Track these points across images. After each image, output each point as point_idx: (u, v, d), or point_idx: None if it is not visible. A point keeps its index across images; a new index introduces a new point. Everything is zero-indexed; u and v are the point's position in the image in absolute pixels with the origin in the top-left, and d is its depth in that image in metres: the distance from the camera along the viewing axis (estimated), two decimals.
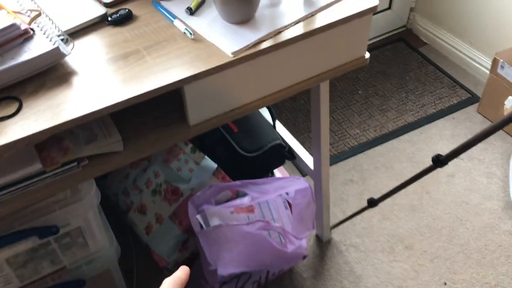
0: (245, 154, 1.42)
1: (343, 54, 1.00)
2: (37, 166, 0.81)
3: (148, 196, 1.41)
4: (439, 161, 1.07)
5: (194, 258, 1.42)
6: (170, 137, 0.92)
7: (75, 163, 0.84)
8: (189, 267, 1.37)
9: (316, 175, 1.41)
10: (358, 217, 1.59)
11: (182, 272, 0.51)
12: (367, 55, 1.03)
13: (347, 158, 1.78)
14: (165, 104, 0.97)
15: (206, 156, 1.40)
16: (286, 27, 0.89)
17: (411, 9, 2.26)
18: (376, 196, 1.52)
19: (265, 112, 1.59)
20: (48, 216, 0.99)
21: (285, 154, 1.48)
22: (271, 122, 1.57)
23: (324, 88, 1.14)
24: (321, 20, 0.91)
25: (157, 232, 1.39)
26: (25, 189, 0.82)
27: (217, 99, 0.91)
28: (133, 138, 0.90)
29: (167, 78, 0.81)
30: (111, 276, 1.24)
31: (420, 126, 1.87)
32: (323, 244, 1.53)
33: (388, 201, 1.63)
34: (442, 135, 1.84)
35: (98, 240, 1.14)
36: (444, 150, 1.76)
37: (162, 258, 1.38)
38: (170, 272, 1.41)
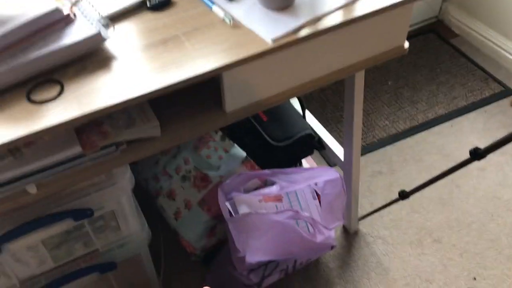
0: (274, 143, 1.42)
1: (383, 43, 0.98)
2: (77, 150, 0.82)
3: (178, 182, 1.42)
4: (477, 154, 1.05)
5: (221, 244, 1.43)
6: (206, 124, 0.92)
7: (114, 147, 0.85)
8: (217, 253, 1.37)
9: (347, 166, 1.39)
10: (386, 209, 1.57)
11: None
12: (406, 44, 1.01)
13: (375, 149, 1.76)
14: (201, 90, 0.97)
15: (235, 144, 1.40)
16: (326, 14, 0.88)
17: (443, 0, 2.21)
18: (404, 188, 1.50)
19: (294, 102, 1.58)
20: (83, 199, 1.00)
21: (314, 144, 1.47)
22: (301, 112, 1.56)
23: (360, 78, 1.13)
24: (362, 8, 0.89)
25: (186, 218, 1.40)
26: (64, 171, 0.83)
27: (254, 87, 0.91)
28: (170, 124, 0.91)
29: (207, 65, 0.81)
30: (141, 260, 1.26)
31: (451, 118, 1.84)
32: (350, 235, 1.53)
33: (417, 194, 1.61)
34: (474, 128, 1.80)
35: (130, 224, 1.15)
36: (475, 143, 1.74)
37: (190, 244, 1.39)
38: (197, 257, 1.42)
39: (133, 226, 1.16)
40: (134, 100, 0.77)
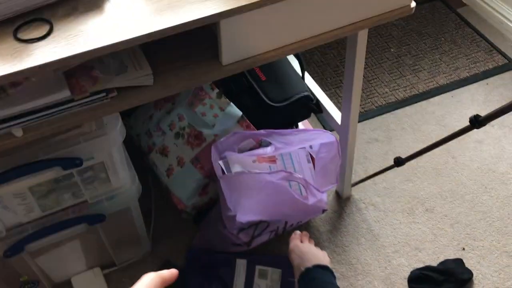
0: (271, 103, 1.39)
1: (388, 1, 0.94)
2: (66, 93, 0.79)
3: (171, 138, 1.40)
4: (477, 122, 1.03)
5: (213, 203, 1.42)
6: (201, 75, 0.89)
7: (104, 94, 0.82)
8: (208, 212, 1.36)
9: (343, 131, 1.37)
10: (380, 176, 1.56)
11: (169, 273, 0.49)
12: (413, 4, 0.97)
13: (373, 116, 1.74)
14: (198, 41, 0.93)
15: (231, 103, 1.37)
16: None
17: None
18: (399, 153, 1.49)
19: (294, 63, 1.54)
20: (72, 148, 0.98)
21: (312, 107, 1.45)
22: (300, 74, 1.52)
23: (362, 38, 1.09)
24: None
25: (178, 175, 1.38)
26: (52, 116, 0.80)
27: (252, 39, 0.87)
28: (163, 73, 0.88)
29: (204, 11, 0.77)
30: (131, 214, 1.24)
31: (452, 89, 1.81)
32: (342, 201, 1.52)
33: (411, 162, 1.59)
34: (474, 100, 1.78)
35: (120, 177, 1.13)
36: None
37: (181, 201, 1.38)
38: (188, 215, 1.41)
39: (123, 179, 1.14)
40: (126, 43, 0.74)
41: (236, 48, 0.87)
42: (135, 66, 0.84)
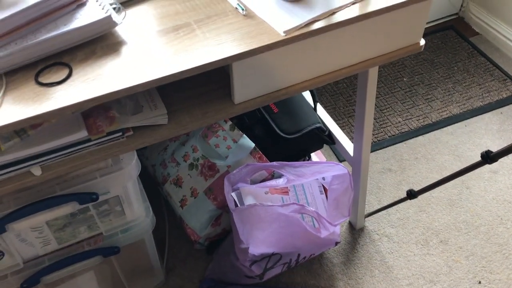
0: (283, 135, 1.41)
1: (398, 39, 0.96)
2: (83, 134, 0.82)
3: (185, 169, 1.42)
4: (488, 158, 1.03)
5: (226, 234, 1.43)
6: (214, 114, 0.91)
7: (120, 133, 0.84)
8: (221, 242, 1.37)
9: (356, 162, 1.38)
10: (394, 207, 1.56)
11: None
12: (422, 41, 0.99)
13: (387, 146, 1.74)
14: (211, 80, 0.96)
15: (244, 135, 1.39)
16: (342, 7, 0.86)
17: None
18: (414, 187, 1.49)
19: (306, 94, 1.56)
20: (89, 183, 1.00)
21: (324, 138, 1.46)
22: (312, 105, 1.54)
23: (373, 74, 1.11)
24: (378, 3, 0.87)
25: (191, 205, 1.40)
26: (69, 155, 0.83)
27: (264, 78, 0.89)
28: (177, 112, 0.90)
29: (217, 54, 0.79)
30: (145, 246, 1.26)
31: (466, 118, 1.81)
32: (355, 232, 1.52)
33: (425, 193, 1.59)
34: (488, 129, 1.77)
35: (135, 210, 1.15)
36: (489, 145, 1.71)
37: (194, 232, 1.39)
38: (201, 245, 1.42)
39: (138, 212, 1.16)
40: (143, 86, 0.76)
41: (248, 87, 0.90)
42: (151, 106, 0.87)
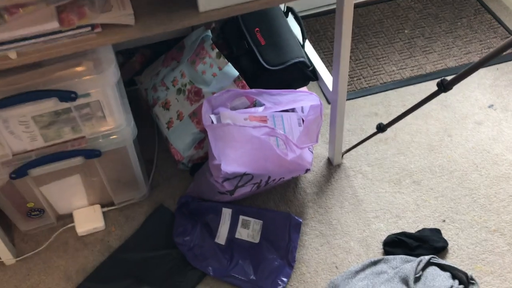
0: (267, 66, 1.47)
1: None
2: (55, 25, 0.91)
3: (173, 94, 1.51)
4: (443, 86, 1.07)
5: (207, 158, 1.52)
6: (178, 20, 0.98)
7: (89, 28, 0.93)
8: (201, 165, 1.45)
9: (334, 97, 1.43)
10: (373, 148, 1.61)
11: None
12: None
13: (377, 92, 1.78)
14: None
15: (229, 63, 1.46)
16: None
17: None
18: (397, 132, 1.54)
19: (297, 31, 1.61)
20: (69, 83, 1.11)
21: (307, 74, 1.52)
22: (301, 42, 1.59)
23: (348, 7, 1.15)
24: None
25: (177, 127, 1.49)
26: (42, 43, 0.92)
27: None
28: (144, 15, 0.98)
29: None
30: (128, 156, 1.36)
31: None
32: (332, 167, 1.58)
33: (407, 137, 1.64)
34: (481, 83, 1.78)
35: (116, 117, 1.25)
36: (479, 98, 1.73)
37: (178, 152, 1.49)
38: (184, 166, 1.52)
39: (119, 120, 1.26)
40: None
41: None
42: (119, 6, 0.95)
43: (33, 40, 0.91)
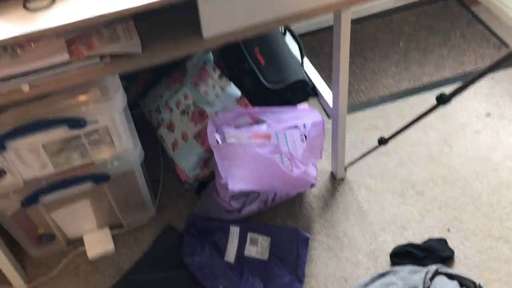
0: (269, 85, 1.51)
1: None
2: (65, 57, 0.94)
3: (177, 115, 1.54)
4: (442, 99, 1.10)
5: (213, 176, 1.54)
6: (184, 46, 1.01)
7: (98, 58, 0.96)
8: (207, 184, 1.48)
9: (334, 112, 1.46)
10: (375, 160, 1.64)
11: None
12: None
13: (375, 105, 1.82)
14: (184, 17, 1.06)
15: (232, 84, 1.49)
16: None
17: None
18: (398, 144, 1.57)
19: (295, 50, 1.65)
20: (78, 110, 1.14)
21: (307, 90, 1.55)
22: (300, 60, 1.63)
23: (346, 18, 1.18)
24: None
25: (182, 148, 1.52)
26: (53, 75, 0.95)
27: (232, 13, 0.99)
28: (151, 43, 1.01)
29: None
30: (135, 178, 1.39)
31: (456, 82, 1.86)
32: (336, 181, 1.61)
33: (408, 149, 1.67)
34: (477, 93, 1.82)
35: (124, 141, 1.27)
36: (476, 108, 1.76)
37: (184, 173, 1.52)
38: (190, 186, 1.54)
39: (126, 144, 1.28)
40: (117, 14, 0.88)
41: (215, 23, 1.00)
42: (127, 36, 0.98)
43: (44, 73, 0.94)
